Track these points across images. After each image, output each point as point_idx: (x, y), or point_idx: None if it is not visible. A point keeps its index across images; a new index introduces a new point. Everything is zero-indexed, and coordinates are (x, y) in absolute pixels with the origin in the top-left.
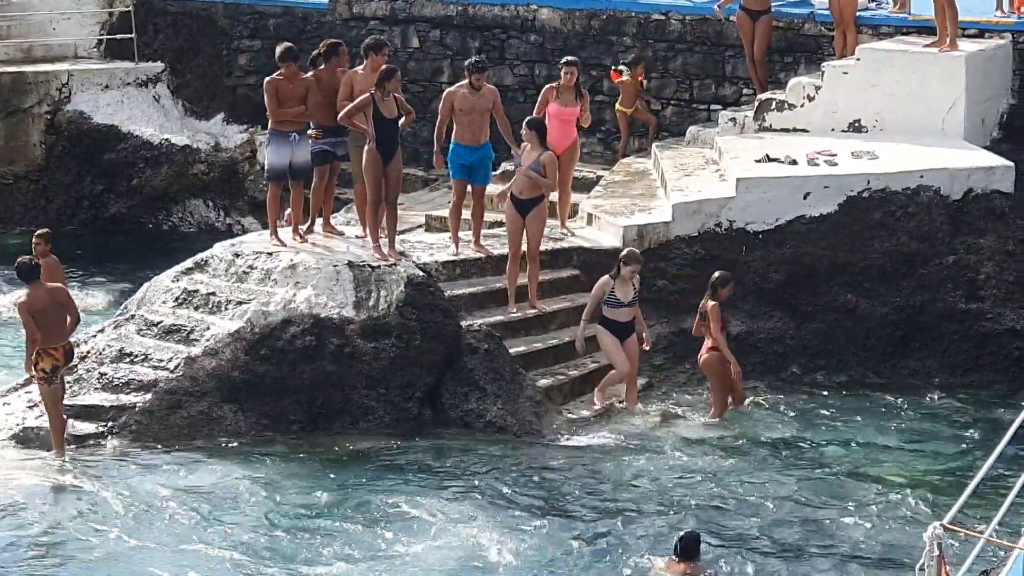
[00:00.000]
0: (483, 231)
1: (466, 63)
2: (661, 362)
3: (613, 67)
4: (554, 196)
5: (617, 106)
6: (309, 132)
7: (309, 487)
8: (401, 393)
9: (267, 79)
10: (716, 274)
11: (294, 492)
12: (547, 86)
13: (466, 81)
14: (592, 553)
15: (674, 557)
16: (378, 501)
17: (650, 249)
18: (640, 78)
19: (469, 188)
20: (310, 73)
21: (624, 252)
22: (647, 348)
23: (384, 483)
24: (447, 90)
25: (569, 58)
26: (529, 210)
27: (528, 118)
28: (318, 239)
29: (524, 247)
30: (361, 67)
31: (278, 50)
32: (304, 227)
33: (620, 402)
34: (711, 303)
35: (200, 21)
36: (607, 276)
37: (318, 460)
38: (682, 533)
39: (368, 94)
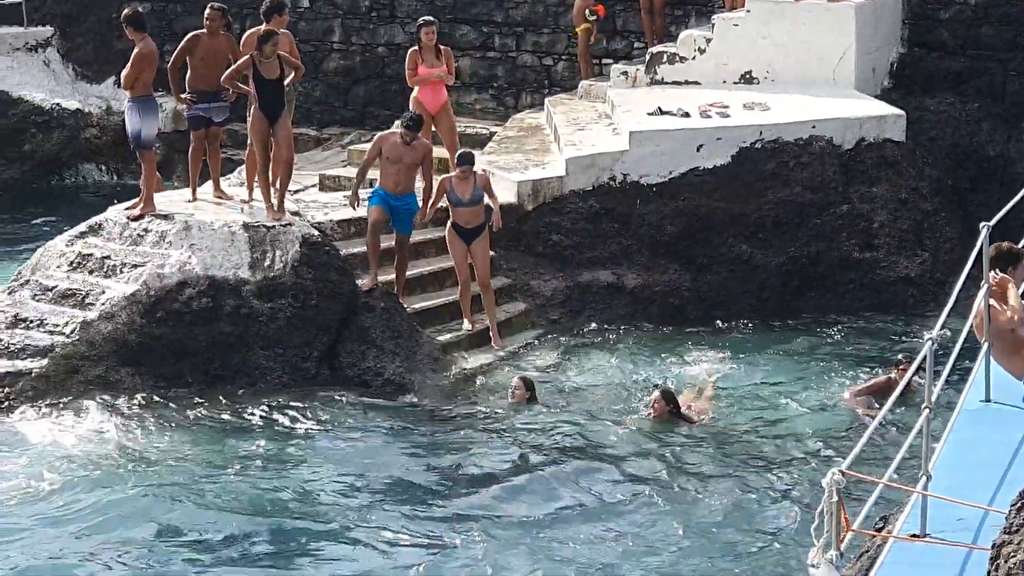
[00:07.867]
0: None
1: (402, 117)
2: (558, 316)
3: None
4: (445, 152)
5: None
6: (183, 96)
7: (211, 449)
8: (298, 353)
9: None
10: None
11: (195, 453)
12: (411, 50)
13: (400, 129)
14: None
15: None
16: (275, 462)
17: (545, 204)
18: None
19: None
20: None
21: None
22: None
23: (282, 444)
24: (379, 133)
25: (426, 18)
26: (474, 238)
27: (457, 155)
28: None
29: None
30: (262, 28)
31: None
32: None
33: None
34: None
35: None
36: None
37: (218, 421)
38: None
39: (248, 56)
